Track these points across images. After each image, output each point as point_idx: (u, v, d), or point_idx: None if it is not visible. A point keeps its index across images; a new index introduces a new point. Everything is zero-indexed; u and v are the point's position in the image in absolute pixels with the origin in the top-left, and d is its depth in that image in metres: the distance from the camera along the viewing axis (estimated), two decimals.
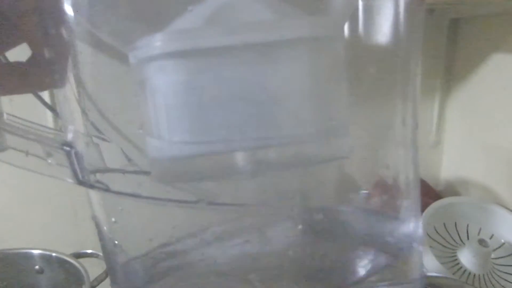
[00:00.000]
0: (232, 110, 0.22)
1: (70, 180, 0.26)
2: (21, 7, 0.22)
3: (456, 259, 0.63)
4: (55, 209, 0.76)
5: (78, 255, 0.58)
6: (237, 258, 0.29)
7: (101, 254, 0.57)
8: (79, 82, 0.25)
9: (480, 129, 0.75)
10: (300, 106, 0.22)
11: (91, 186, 0.26)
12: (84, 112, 0.26)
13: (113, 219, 0.29)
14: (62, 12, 0.23)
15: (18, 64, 0.24)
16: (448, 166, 0.83)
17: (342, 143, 0.24)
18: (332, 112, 0.24)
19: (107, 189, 0.26)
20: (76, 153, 0.26)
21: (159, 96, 0.23)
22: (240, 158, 0.23)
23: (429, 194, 0.76)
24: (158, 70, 0.22)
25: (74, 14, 0.23)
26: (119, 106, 0.27)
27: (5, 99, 0.25)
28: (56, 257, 0.54)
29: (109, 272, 0.30)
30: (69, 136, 0.25)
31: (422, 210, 0.70)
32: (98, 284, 0.53)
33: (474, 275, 0.61)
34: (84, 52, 0.25)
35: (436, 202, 0.68)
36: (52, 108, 0.29)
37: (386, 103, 0.28)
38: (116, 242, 0.30)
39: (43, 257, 0.55)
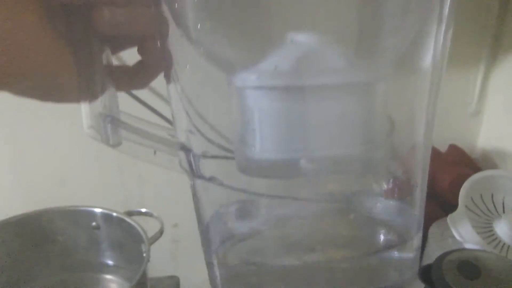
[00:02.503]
0: (308, 131, 0.30)
1: (186, 173, 0.31)
2: (147, 34, 0.27)
3: (491, 230, 0.65)
4: (101, 166, 0.79)
5: (131, 213, 0.61)
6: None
7: (155, 214, 0.60)
8: (179, 84, 0.30)
9: None
10: (352, 132, 0.31)
11: (208, 180, 0.32)
12: (184, 110, 0.29)
13: None
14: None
15: (130, 67, 0.29)
16: (486, 136, 0.83)
17: (379, 156, 0.33)
18: (374, 133, 0.32)
19: (221, 184, 0.32)
20: (194, 155, 0.31)
21: (254, 116, 0.30)
22: (307, 164, 0.31)
23: (467, 163, 0.77)
24: (255, 97, 0.29)
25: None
26: (212, 106, 0.32)
27: None
28: (116, 216, 0.58)
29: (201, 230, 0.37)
30: (185, 139, 0.28)
31: (455, 181, 0.71)
32: (154, 242, 0.56)
33: (509, 247, 0.63)
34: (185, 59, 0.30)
35: (474, 176, 0.69)
36: (151, 108, 0.33)
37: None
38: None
39: (103, 215, 0.59)
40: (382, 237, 0.38)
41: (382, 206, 0.39)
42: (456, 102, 0.82)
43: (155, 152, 0.31)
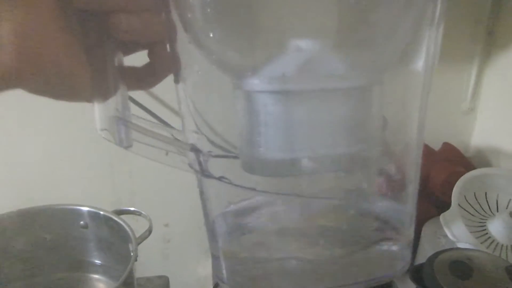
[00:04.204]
0: (310, 132, 0.32)
1: (195, 172, 0.34)
2: (158, 39, 0.29)
3: (485, 229, 0.64)
4: (92, 165, 0.78)
5: (120, 212, 0.60)
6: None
7: (143, 212, 0.59)
8: (187, 88, 0.32)
9: None
10: (351, 132, 0.33)
11: (217, 179, 0.33)
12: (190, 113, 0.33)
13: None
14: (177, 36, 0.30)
15: (139, 68, 0.30)
16: (480, 134, 0.82)
17: (374, 153, 0.35)
18: (370, 133, 0.34)
19: (230, 183, 0.34)
20: (203, 155, 0.33)
21: (260, 118, 0.32)
22: (309, 162, 0.33)
23: (461, 161, 0.77)
24: (261, 101, 0.31)
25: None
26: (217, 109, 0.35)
27: None
28: (103, 215, 0.57)
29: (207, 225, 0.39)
30: (193, 140, 0.33)
31: (448, 180, 0.71)
32: (141, 242, 0.55)
33: (502, 246, 0.62)
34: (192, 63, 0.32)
35: (467, 174, 0.68)
36: (146, 108, 0.33)
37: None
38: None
39: (90, 214, 0.58)
40: (377, 232, 0.41)
41: (377, 202, 0.41)
42: (449, 99, 0.81)
43: (167, 153, 0.32)
